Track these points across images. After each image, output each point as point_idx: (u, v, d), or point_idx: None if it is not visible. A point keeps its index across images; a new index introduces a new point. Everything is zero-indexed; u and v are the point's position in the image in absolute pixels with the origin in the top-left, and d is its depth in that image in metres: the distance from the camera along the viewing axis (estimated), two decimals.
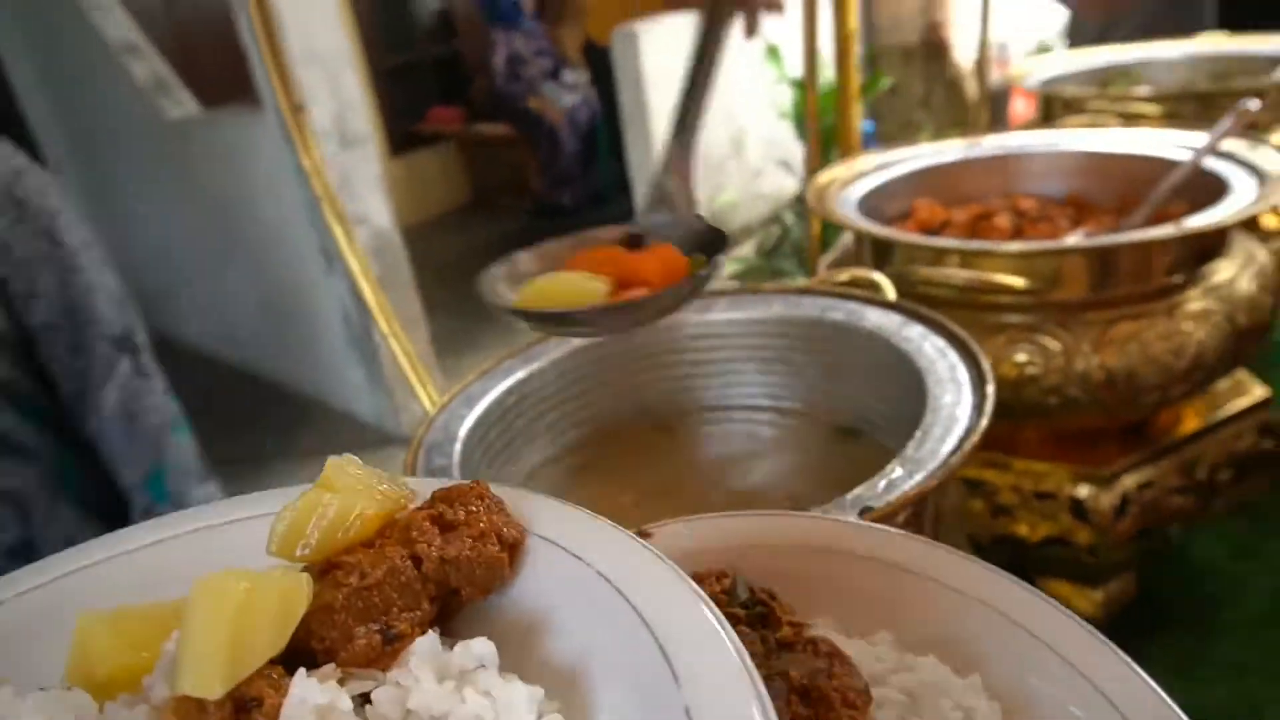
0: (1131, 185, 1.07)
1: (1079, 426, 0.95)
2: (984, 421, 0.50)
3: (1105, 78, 1.52)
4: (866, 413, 0.67)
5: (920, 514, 0.50)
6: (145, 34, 3.21)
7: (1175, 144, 1.05)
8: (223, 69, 3.13)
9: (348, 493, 0.32)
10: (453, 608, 0.31)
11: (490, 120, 5.08)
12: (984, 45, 1.85)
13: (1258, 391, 0.99)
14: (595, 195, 4.88)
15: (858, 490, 0.46)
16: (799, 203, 3.69)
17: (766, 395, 0.73)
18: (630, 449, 0.70)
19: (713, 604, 0.28)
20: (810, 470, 0.73)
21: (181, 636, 0.27)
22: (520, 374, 0.67)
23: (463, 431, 0.61)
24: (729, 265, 3.74)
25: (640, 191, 3.68)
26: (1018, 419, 0.92)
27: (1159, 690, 0.34)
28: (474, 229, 5.02)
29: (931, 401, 0.53)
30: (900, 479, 0.47)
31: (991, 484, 0.98)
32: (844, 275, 0.76)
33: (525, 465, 0.67)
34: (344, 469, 0.33)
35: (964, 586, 0.39)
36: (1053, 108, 1.43)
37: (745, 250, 3.91)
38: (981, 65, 1.85)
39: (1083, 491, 0.92)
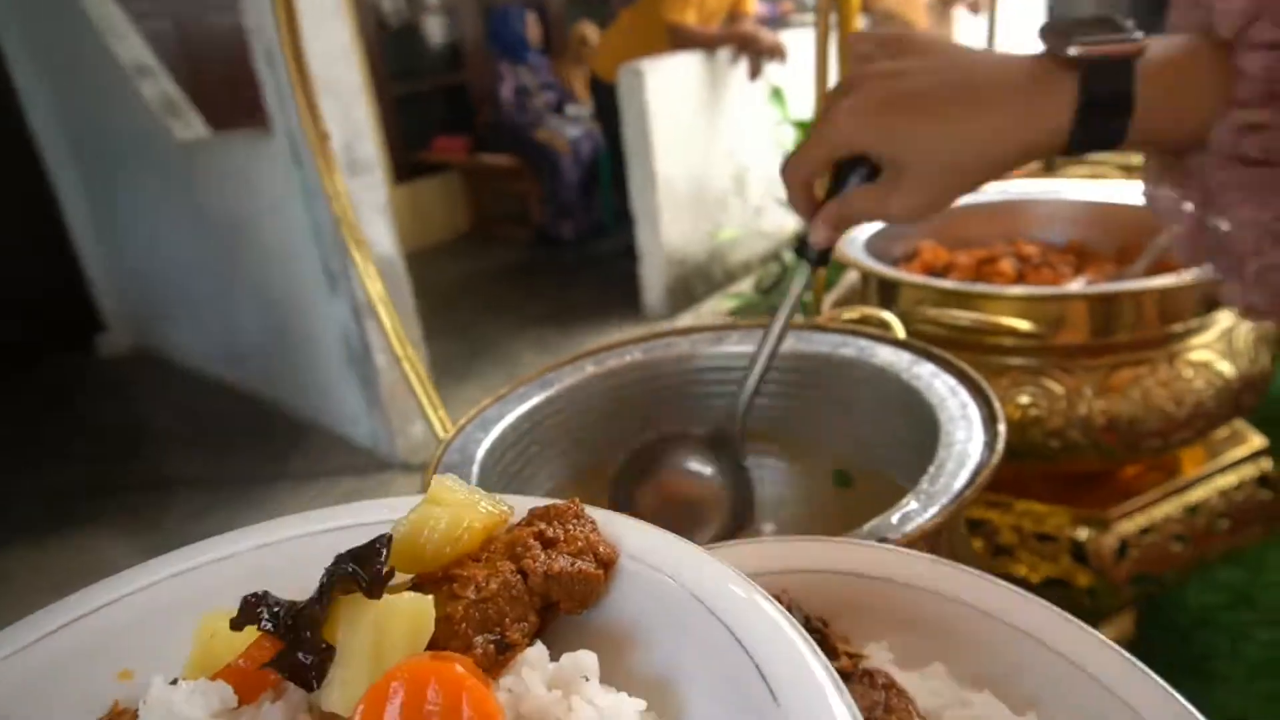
0: (1132, 235, 1.09)
1: (1080, 469, 0.97)
2: (996, 458, 0.51)
3: None
4: (874, 449, 0.68)
5: (935, 548, 0.51)
6: (157, 56, 3.25)
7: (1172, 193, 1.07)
8: (232, 92, 3.17)
9: (455, 507, 0.34)
10: (548, 620, 0.33)
11: (494, 151, 5.13)
12: None
13: (1255, 441, 1.00)
14: (596, 227, 4.92)
15: (874, 522, 0.47)
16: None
17: (775, 429, 0.74)
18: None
19: (798, 624, 0.29)
20: (818, 505, 0.74)
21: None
22: (536, 399, 0.68)
23: (480, 454, 0.62)
24: (727, 301, 3.77)
25: (642, 226, 3.72)
26: (1020, 460, 0.93)
27: None
28: (474, 257, 5.05)
29: (944, 438, 0.54)
30: (915, 512, 0.48)
31: (993, 524, 0.99)
32: (854, 313, 0.77)
33: (539, 490, 0.68)
34: (448, 486, 0.35)
35: (1020, 622, 0.39)
36: (1052, 157, 1.46)
37: (744, 287, 3.94)
38: None
39: (1083, 534, 0.93)
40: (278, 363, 3.29)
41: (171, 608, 0.36)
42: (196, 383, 3.66)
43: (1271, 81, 0.46)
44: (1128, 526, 0.93)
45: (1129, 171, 1.29)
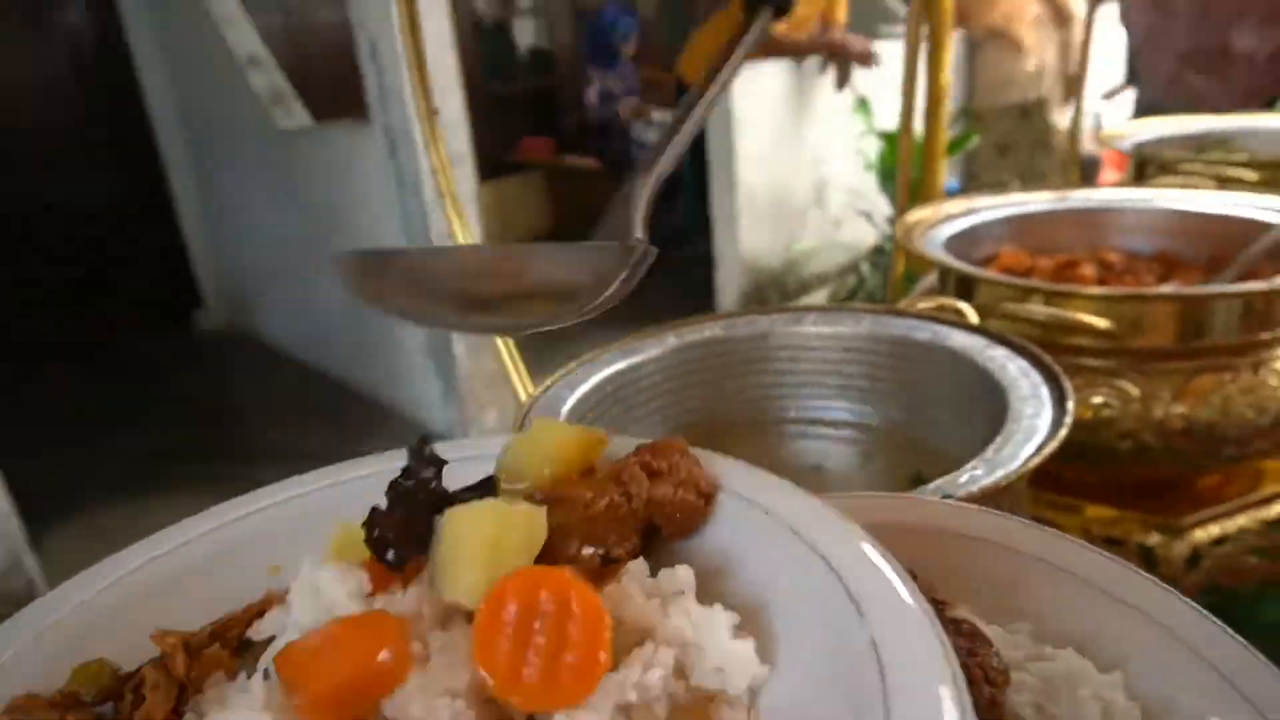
0: (1222, 245, 1.07)
1: (1152, 476, 0.96)
2: (1063, 432, 0.53)
3: (1202, 144, 1.53)
4: (947, 437, 0.70)
5: None
6: (267, 48, 3.41)
7: (1269, 207, 1.06)
8: (335, 84, 3.31)
9: (557, 430, 0.38)
10: (649, 545, 0.36)
11: (579, 153, 5.22)
12: (1078, 109, 1.88)
13: None
14: (675, 233, 4.95)
15: (938, 482, 0.50)
16: (878, 254, 3.71)
17: (848, 411, 0.76)
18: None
19: (889, 554, 0.31)
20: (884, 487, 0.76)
21: (445, 555, 0.32)
22: (620, 365, 0.72)
23: (564, 411, 0.66)
24: None
25: (720, 233, 3.75)
26: (1090, 464, 0.93)
27: None
28: None
29: (1013, 413, 0.56)
30: (979, 476, 0.50)
31: (1060, 526, 0.98)
32: (931, 303, 0.79)
33: None
34: (548, 419, 0.39)
35: (1105, 584, 0.40)
36: (1146, 170, 1.44)
37: (819, 298, 3.93)
38: (1075, 125, 1.87)
39: (1154, 539, 0.92)
40: (360, 348, 3.41)
41: (313, 516, 0.41)
42: (284, 362, 3.82)
43: None
44: (1201, 535, 0.92)
45: (1222, 183, 1.27)
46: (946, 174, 1.91)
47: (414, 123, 2.67)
